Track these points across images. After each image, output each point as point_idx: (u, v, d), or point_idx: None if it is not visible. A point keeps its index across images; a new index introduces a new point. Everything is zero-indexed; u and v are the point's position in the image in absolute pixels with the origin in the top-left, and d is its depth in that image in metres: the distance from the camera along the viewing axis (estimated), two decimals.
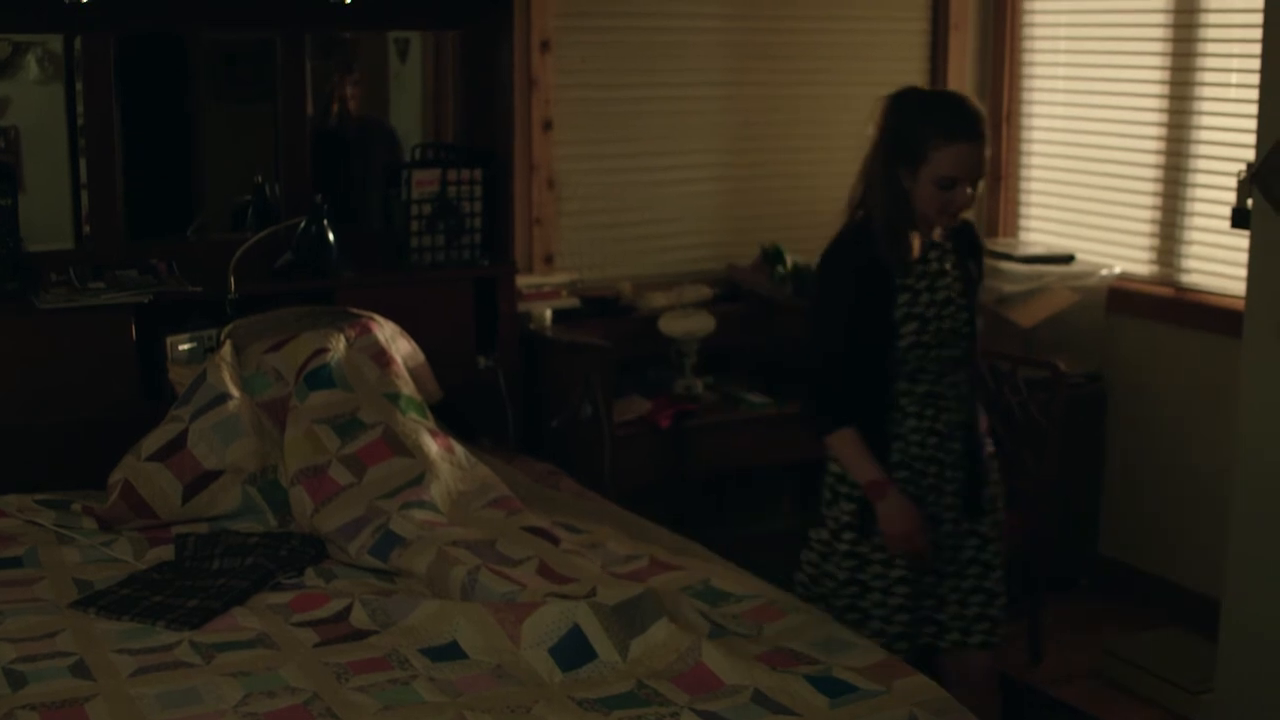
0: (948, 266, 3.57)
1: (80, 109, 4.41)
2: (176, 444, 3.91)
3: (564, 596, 3.24)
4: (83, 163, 4.44)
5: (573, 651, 3.01)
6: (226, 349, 4.10)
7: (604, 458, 4.65)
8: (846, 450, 3.53)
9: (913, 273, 3.53)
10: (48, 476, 4.05)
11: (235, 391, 4.00)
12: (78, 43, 4.37)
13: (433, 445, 4.00)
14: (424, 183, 4.71)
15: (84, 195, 4.44)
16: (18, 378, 4.13)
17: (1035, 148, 5.83)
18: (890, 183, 3.48)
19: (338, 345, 4.11)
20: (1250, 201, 3.91)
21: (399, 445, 3.93)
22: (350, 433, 3.95)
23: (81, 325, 4.17)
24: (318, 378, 4.03)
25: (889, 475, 3.52)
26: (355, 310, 4.32)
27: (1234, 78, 4.95)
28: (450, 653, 3.07)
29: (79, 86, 4.39)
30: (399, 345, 4.26)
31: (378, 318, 4.29)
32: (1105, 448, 5.47)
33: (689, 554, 3.68)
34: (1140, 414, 5.34)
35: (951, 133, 3.39)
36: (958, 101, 3.49)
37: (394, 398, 4.06)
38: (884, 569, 3.56)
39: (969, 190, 3.43)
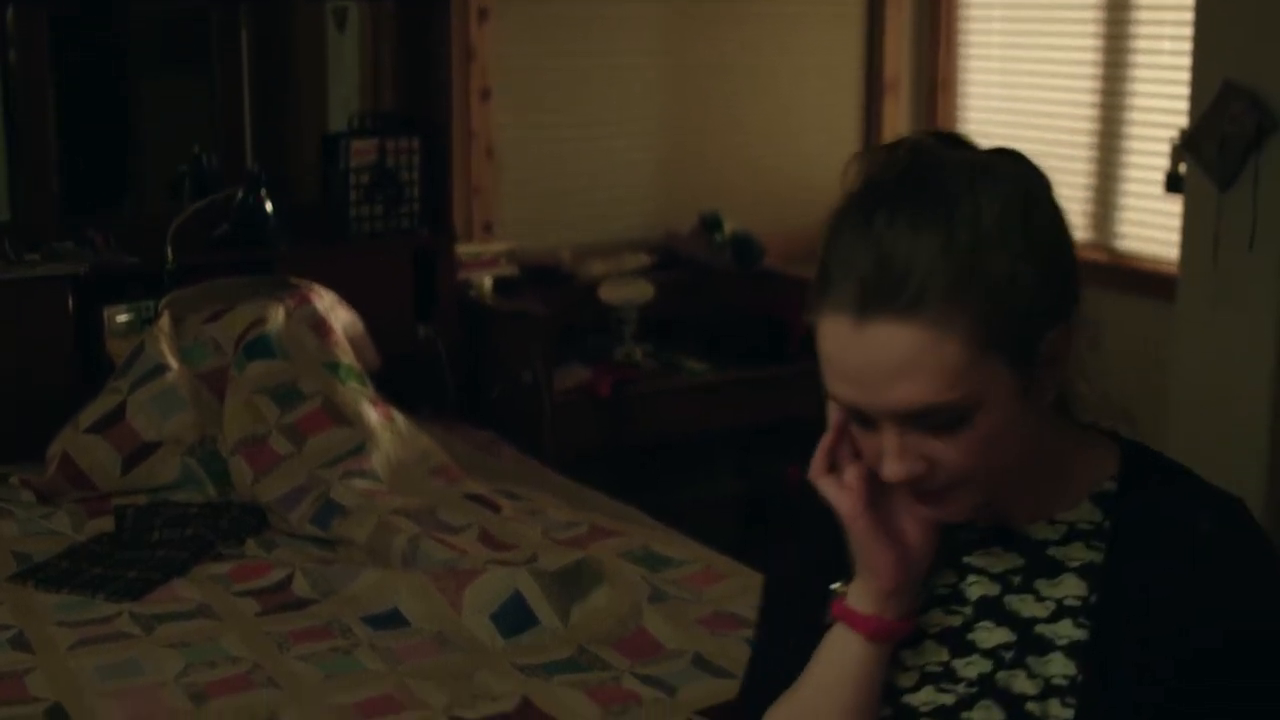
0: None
1: (12, 81, 4.36)
2: (115, 416, 3.90)
3: (505, 563, 3.25)
4: (16, 135, 4.40)
5: (514, 618, 3.03)
6: (164, 320, 4.08)
7: (544, 426, 4.66)
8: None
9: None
10: None
11: (174, 362, 3.99)
12: (9, 13, 4.32)
13: (373, 414, 4.00)
14: (362, 152, 4.69)
15: (18, 168, 4.41)
16: None
17: (971, 115, 5.87)
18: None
19: (276, 315, 4.09)
20: (1183, 166, 3.96)
21: (339, 415, 3.93)
22: (290, 402, 3.94)
23: (17, 298, 4.14)
24: (256, 348, 4.02)
25: None
26: (294, 280, 4.31)
27: (1166, 44, 4.99)
28: (392, 621, 3.08)
29: (11, 57, 4.35)
30: (338, 315, 4.26)
31: (317, 287, 4.28)
32: None
33: (629, 520, 3.70)
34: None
35: (821, 290, 1.44)
36: (884, 202, 1.42)
37: (333, 367, 4.06)
38: None
39: (912, 444, 1.44)
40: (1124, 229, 5.22)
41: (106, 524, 3.66)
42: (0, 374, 4.12)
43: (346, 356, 4.12)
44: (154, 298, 4.21)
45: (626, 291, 5.13)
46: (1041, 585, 1.54)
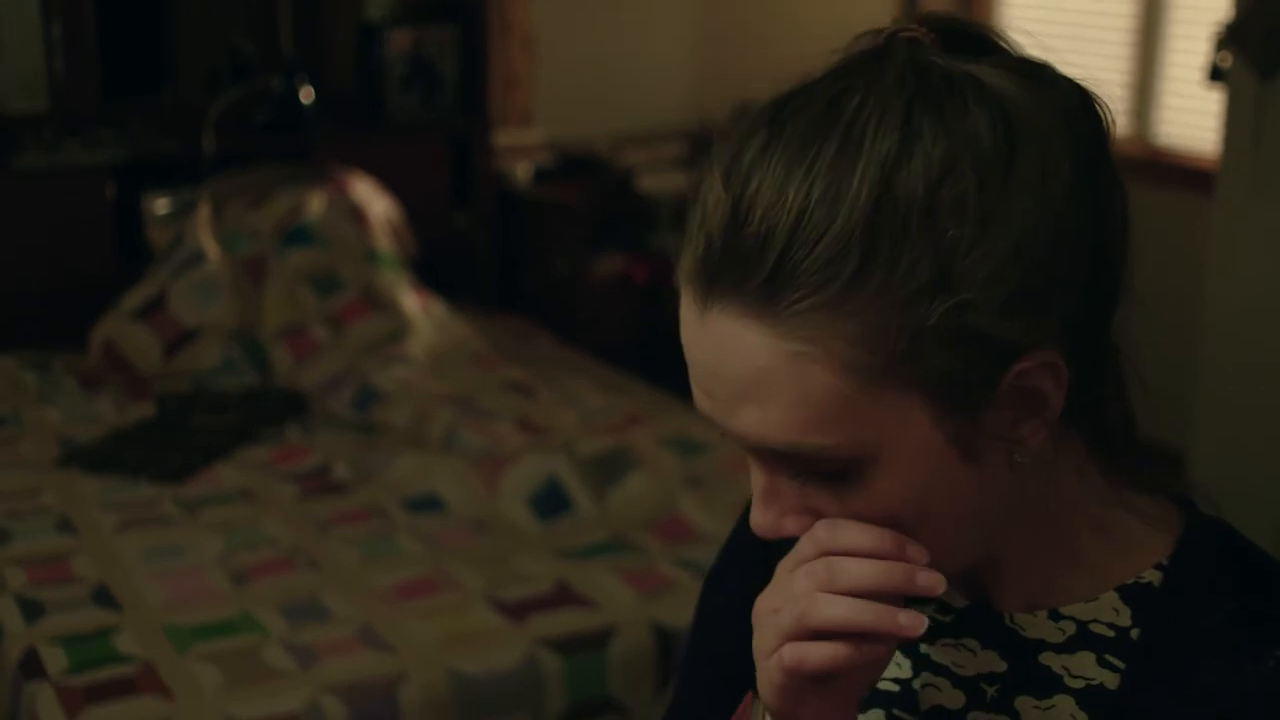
0: None
1: None
2: (157, 303, 3.94)
3: (542, 449, 3.28)
4: (55, 23, 4.40)
5: (550, 502, 3.07)
6: (204, 208, 4.10)
7: (580, 314, 4.68)
8: None
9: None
10: (29, 337, 4.07)
11: (214, 250, 4.02)
12: None
13: (411, 302, 4.02)
14: (399, 41, 4.69)
15: (58, 56, 4.41)
16: None
17: (1009, 4, 5.81)
18: None
19: (315, 203, 4.11)
20: (1224, 58, 3.92)
21: (377, 302, 3.96)
22: (329, 290, 3.97)
23: (59, 186, 4.16)
24: (296, 236, 4.05)
25: None
26: (332, 168, 4.32)
27: None
28: (430, 505, 3.12)
29: None
30: (376, 203, 4.27)
31: (354, 176, 4.30)
32: None
33: (665, 407, 3.73)
34: None
35: (681, 248, 0.94)
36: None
37: (371, 255, 4.08)
38: None
39: (788, 490, 0.93)
40: (1163, 123, 5.18)
41: (148, 410, 3.70)
42: (42, 261, 4.16)
43: (384, 245, 4.14)
44: (192, 186, 4.23)
45: (663, 180, 5.12)
46: (1024, 705, 1.00)
